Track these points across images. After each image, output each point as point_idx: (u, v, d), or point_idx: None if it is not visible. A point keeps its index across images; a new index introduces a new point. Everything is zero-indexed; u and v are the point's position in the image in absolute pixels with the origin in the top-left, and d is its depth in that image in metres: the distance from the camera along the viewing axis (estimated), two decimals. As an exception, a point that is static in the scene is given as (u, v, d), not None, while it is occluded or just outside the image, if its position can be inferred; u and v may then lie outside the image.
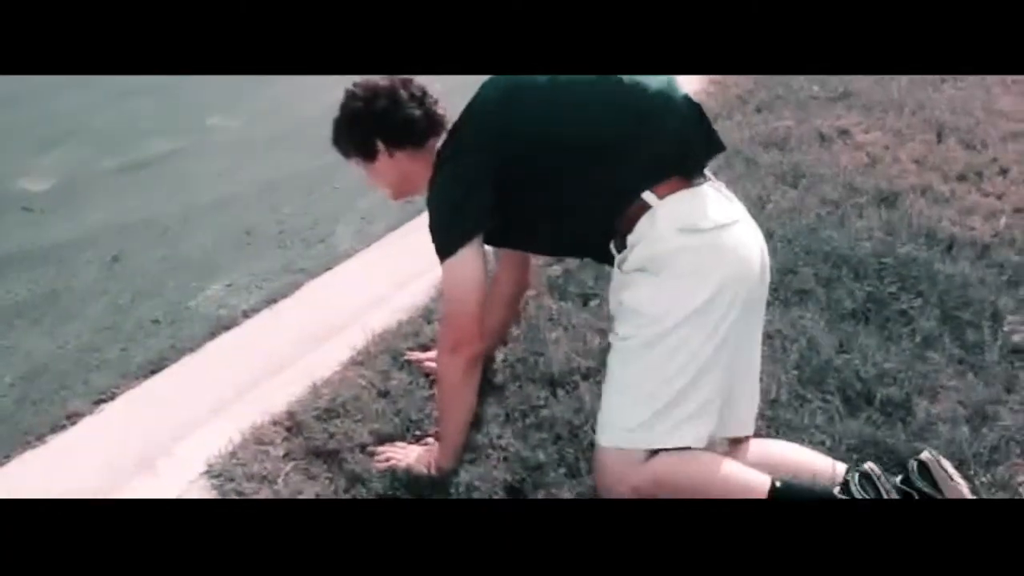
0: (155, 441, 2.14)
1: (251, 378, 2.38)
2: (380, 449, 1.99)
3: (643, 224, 1.74)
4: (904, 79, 4.47)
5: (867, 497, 1.59)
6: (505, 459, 1.95)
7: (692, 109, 1.80)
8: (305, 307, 2.84)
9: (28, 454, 2.16)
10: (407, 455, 1.95)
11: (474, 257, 1.81)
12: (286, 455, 2.00)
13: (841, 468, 1.75)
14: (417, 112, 1.90)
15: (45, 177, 3.87)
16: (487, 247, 1.89)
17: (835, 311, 2.45)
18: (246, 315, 2.77)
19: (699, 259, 1.72)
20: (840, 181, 3.29)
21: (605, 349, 1.92)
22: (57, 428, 2.25)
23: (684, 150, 1.79)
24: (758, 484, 1.67)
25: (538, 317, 2.46)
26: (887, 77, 4.49)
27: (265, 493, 1.88)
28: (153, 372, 2.49)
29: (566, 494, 1.85)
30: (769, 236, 2.77)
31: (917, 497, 1.67)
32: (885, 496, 1.59)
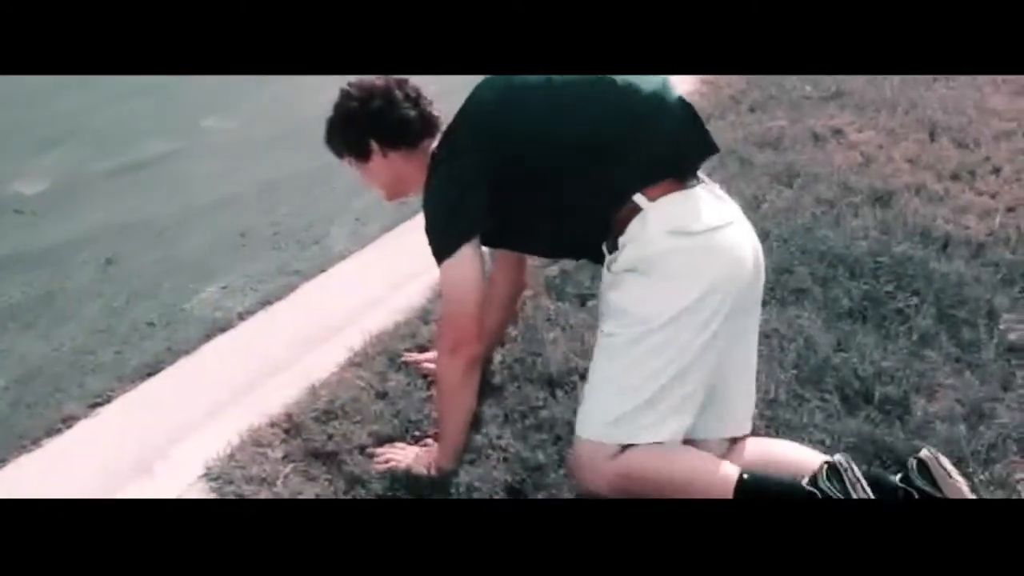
0: (152, 444, 2.13)
1: (247, 380, 2.37)
2: (379, 450, 1.98)
3: (634, 226, 1.75)
4: (896, 78, 4.49)
5: (833, 490, 1.60)
6: (505, 460, 1.94)
7: (686, 111, 1.80)
8: (300, 309, 2.83)
9: (23, 458, 2.14)
10: (407, 456, 1.95)
11: (471, 258, 1.81)
12: (285, 457, 1.99)
13: (841, 467, 1.76)
14: (412, 113, 1.89)
15: (40, 179, 3.86)
16: (483, 248, 1.89)
17: (832, 310, 2.46)
18: (241, 317, 2.76)
19: (688, 261, 1.72)
20: (835, 180, 3.30)
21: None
22: (52, 431, 2.23)
23: (678, 152, 1.79)
24: (727, 476, 1.69)
25: (536, 318, 2.46)
26: (879, 76, 4.51)
27: (264, 495, 1.87)
28: (149, 375, 2.48)
29: (567, 495, 1.85)
30: (765, 236, 2.80)
31: (917, 495, 1.68)
32: (851, 488, 1.58)
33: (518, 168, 1.78)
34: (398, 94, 1.89)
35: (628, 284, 1.76)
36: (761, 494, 1.66)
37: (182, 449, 2.10)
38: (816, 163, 3.50)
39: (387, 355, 2.34)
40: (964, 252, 2.76)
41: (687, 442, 1.82)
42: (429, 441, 2.01)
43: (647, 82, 1.77)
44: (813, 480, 1.63)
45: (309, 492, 1.89)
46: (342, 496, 1.87)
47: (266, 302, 2.85)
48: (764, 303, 2.41)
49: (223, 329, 2.70)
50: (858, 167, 3.47)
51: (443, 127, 1.90)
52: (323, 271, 3.07)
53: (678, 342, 1.70)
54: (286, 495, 1.87)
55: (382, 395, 2.18)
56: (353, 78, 1.94)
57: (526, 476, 1.90)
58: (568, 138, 1.76)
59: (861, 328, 2.38)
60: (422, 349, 2.36)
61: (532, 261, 2.35)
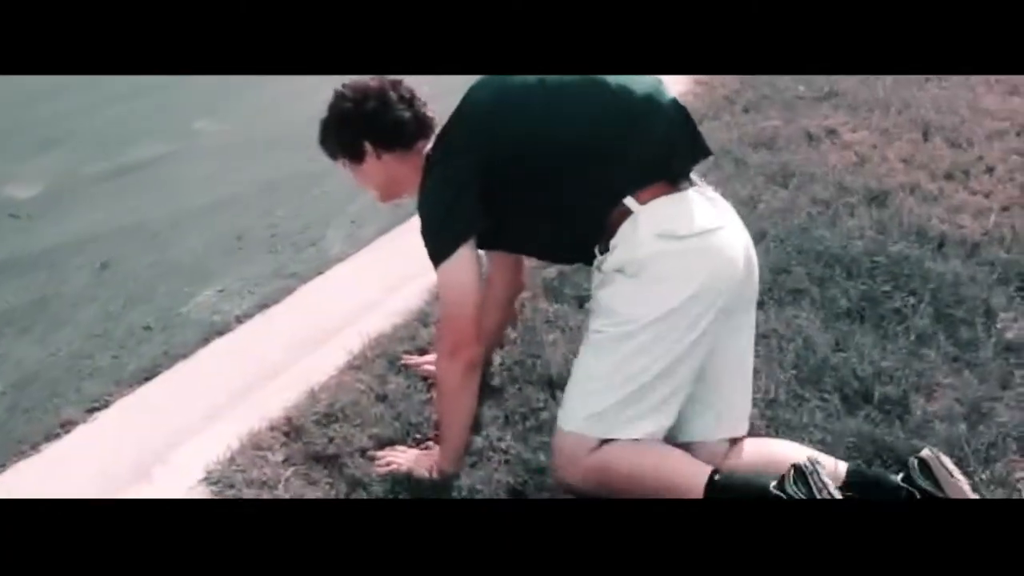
0: (151, 449, 2.12)
1: (246, 384, 2.37)
2: (381, 453, 1.98)
3: (625, 228, 1.75)
4: (888, 78, 4.50)
5: (799, 493, 1.60)
6: (507, 462, 1.94)
7: (679, 113, 1.81)
8: (298, 312, 2.82)
9: (22, 463, 2.13)
10: (408, 459, 1.95)
11: (468, 260, 1.80)
12: (285, 460, 1.99)
13: (843, 467, 1.76)
14: (407, 114, 1.89)
15: (33, 182, 3.84)
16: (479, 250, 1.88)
17: (830, 310, 2.47)
18: (239, 320, 2.75)
19: (676, 265, 1.72)
20: (830, 180, 3.31)
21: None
22: (51, 436, 2.22)
23: (670, 154, 1.79)
24: (698, 475, 1.69)
25: (535, 320, 2.46)
26: (872, 76, 4.52)
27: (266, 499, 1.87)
28: (146, 379, 2.47)
29: (568, 496, 1.84)
30: (761, 236, 2.81)
31: (919, 495, 1.69)
32: (816, 492, 1.58)
33: (512, 169, 1.78)
34: (392, 95, 1.88)
35: (617, 284, 1.77)
36: (730, 494, 1.67)
37: (181, 453, 2.09)
38: (811, 163, 3.51)
39: (386, 358, 2.34)
40: (960, 251, 2.77)
41: (685, 444, 1.84)
42: (430, 444, 2.01)
43: (640, 84, 1.78)
44: (780, 484, 1.64)
45: (310, 495, 1.88)
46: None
47: (263, 305, 2.84)
48: (762, 303, 2.43)
49: (220, 333, 2.69)
50: (853, 167, 3.47)
51: (437, 129, 1.90)
52: (320, 274, 3.06)
53: (663, 343, 1.72)
54: (287, 498, 1.87)
55: (382, 398, 2.18)
56: (347, 79, 1.93)
57: (528, 478, 1.90)
58: (562, 139, 1.76)
59: (859, 328, 2.39)
60: (421, 351, 2.36)
61: (530, 262, 2.35)
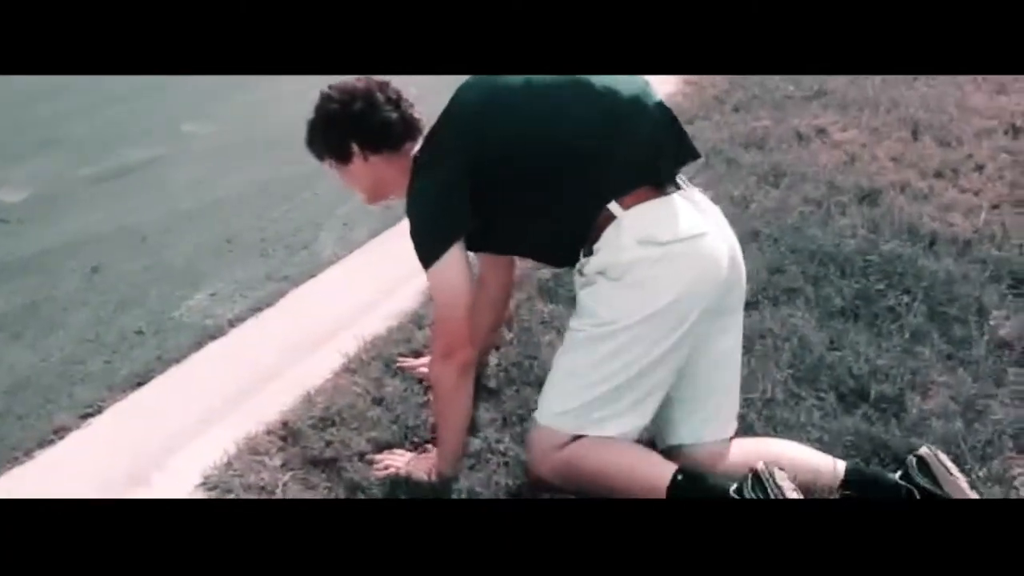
0: (146, 454, 2.11)
1: (240, 388, 2.36)
2: (379, 457, 1.97)
3: (609, 233, 1.75)
4: (877, 78, 4.52)
5: (755, 496, 1.61)
6: (505, 464, 1.94)
7: (664, 115, 1.80)
8: (291, 315, 2.81)
9: (16, 470, 2.12)
10: (407, 463, 1.94)
11: (458, 261, 1.80)
12: (283, 465, 1.98)
13: (841, 466, 1.77)
14: (394, 115, 1.87)
15: (21, 187, 3.82)
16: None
17: (824, 309, 2.47)
18: (231, 324, 2.74)
19: (657, 270, 1.72)
20: (821, 179, 3.32)
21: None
22: (44, 443, 2.21)
23: (656, 155, 1.78)
24: (663, 475, 1.71)
25: (531, 320, 2.45)
26: (861, 76, 4.54)
27: (264, 504, 1.86)
28: (139, 384, 2.45)
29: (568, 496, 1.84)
30: (754, 236, 2.82)
31: (917, 493, 1.70)
32: (772, 495, 1.59)
33: (500, 169, 1.77)
34: (379, 96, 1.87)
35: (598, 286, 1.78)
36: (692, 495, 1.69)
37: (178, 459, 2.08)
38: (802, 162, 3.52)
39: (382, 360, 2.33)
40: (951, 249, 2.78)
41: (675, 448, 1.86)
42: (428, 447, 2.00)
43: (626, 85, 1.77)
44: (739, 489, 1.65)
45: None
46: (343, 503, 1.86)
47: (256, 309, 2.83)
48: (757, 303, 2.44)
49: (213, 337, 2.68)
50: (843, 166, 3.49)
51: (425, 130, 1.89)
52: (312, 277, 3.05)
53: (640, 346, 1.73)
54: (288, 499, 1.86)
55: (379, 401, 2.17)
56: (334, 80, 1.91)
57: (526, 479, 1.90)
58: (549, 140, 1.75)
59: (853, 326, 2.40)
60: (417, 354, 2.35)
61: (524, 263, 2.34)
